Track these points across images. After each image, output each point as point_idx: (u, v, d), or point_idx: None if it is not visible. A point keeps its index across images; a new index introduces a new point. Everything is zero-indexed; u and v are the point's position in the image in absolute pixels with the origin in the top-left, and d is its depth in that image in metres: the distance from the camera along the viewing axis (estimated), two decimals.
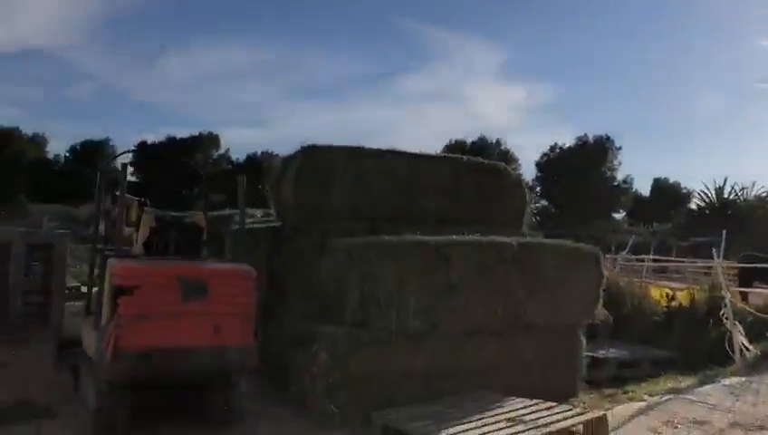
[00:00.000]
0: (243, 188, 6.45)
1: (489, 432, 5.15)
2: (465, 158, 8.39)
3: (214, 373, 5.65)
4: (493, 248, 6.76)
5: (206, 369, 5.52)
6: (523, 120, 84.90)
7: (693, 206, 50.63)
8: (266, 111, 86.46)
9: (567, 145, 53.64)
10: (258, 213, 11.26)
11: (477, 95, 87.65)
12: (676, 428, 5.72)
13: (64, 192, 43.86)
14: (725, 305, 8.32)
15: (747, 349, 8.15)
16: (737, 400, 6.57)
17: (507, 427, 5.29)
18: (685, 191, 54.66)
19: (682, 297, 10.66)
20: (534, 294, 6.94)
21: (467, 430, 5.25)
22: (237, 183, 6.45)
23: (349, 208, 7.52)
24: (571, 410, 5.75)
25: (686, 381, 7.38)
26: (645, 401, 6.66)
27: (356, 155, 7.59)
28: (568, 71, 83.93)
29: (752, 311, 9.19)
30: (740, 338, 8.10)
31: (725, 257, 13.42)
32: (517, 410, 5.80)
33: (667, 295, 10.66)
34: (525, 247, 6.96)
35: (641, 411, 6.22)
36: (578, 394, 7.36)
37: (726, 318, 8.24)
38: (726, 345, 8.16)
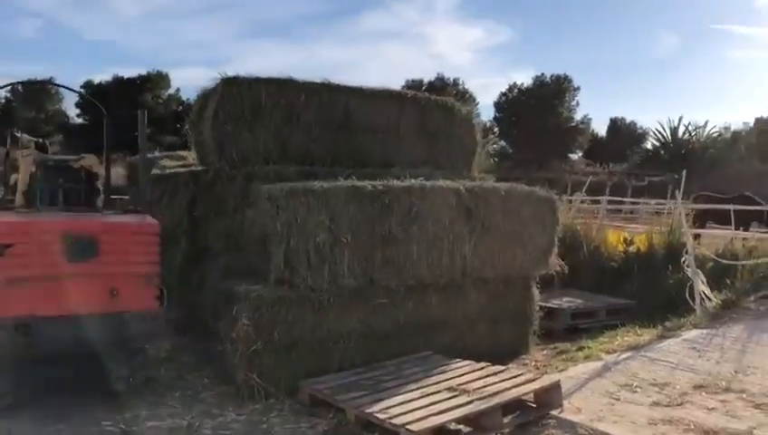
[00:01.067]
0: (143, 120, 5.49)
1: (427, 405, 4.51)
2: (409, 93, 7.54)
3: (111, 343, 4.85)
4: (437, 194, 6.02)
5: (100, 340, 4.71)
6: (481, 60, 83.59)
7: (648, 145, 50.95)
8: (221, 51, 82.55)
9: (525, 85, 52.93)
10: (191, 156, 10.32)
11: (436, 35, 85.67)
12: (636, 391, 5.17)
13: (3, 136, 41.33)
14: (687, 252, 7.80)
15: (708, 298, 7.69)
16: (700, 357, 6.07)
17: (449, 398, 4.66)
18: (640, 131, 54.75)
19: (640, 242, 10.18)
20: (483, 244, 6.28)
21: (404, 402, 4.61)
22: (138, 113, 5.48)
23: (278, 149, 6.69)
24: (520, 375, 5.15)
25: (646, 336, 6.86)
26: (602, 359, 6.11)
27: (285, 88, 6.67)
28: (525, 10, 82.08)
29: (713, 257, 8.74)
30: (701, 287, 7.62)
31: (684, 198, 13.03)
32: (462, 375, 5.19)
33: (625, 240, 10.16)
34: (474, 193, 6.23)
35: (598, 373, 5.65)
36: (530, 351, 6.83)
37: (688, 266, 7.74)
38: (687, 294, 7.68)
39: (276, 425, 4.74)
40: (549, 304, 8.00)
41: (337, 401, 4.81)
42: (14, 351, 4.51)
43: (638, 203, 20.45)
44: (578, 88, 52.31)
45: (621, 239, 10.25)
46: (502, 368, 5.35)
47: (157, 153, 12.69)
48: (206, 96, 6.77)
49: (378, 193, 5.72)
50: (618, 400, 5.00)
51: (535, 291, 6.94)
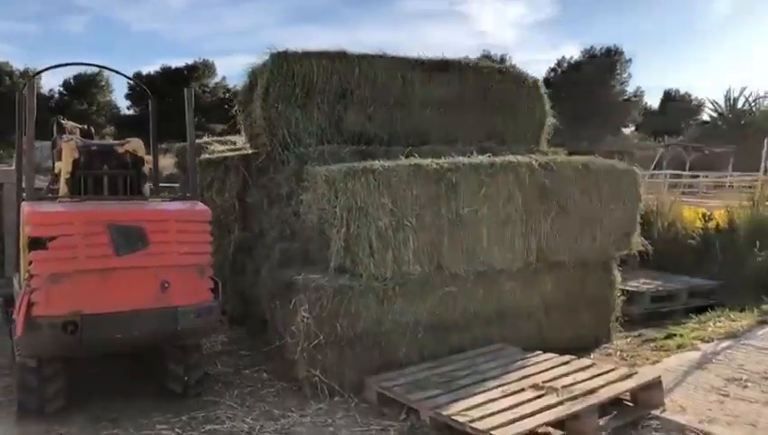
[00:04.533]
0: (191, 98, 5.11)
1: (512, 407, 4.02)
2: (471, 61, 6.96)
3: (163, 341, 4.51)
4: (509, 170, 5.49)
5: (152, 336, 4.36)
6: (526, 36, 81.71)
7: (705, 117, 48.88)
8: (264, 37, 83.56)
9: (574, 59, 51.30)
10: (239, 140, 9.99)
11: (477, 13, 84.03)
12: (746, 386, 4.57)
13: None
14: None
15: None
16: None
17: (535, 398, 4.16)
18: (695, 102, 52.54)
19: (719, 217, 9.39)
20: (560, 225, 5.73)
21: (484, 402, 4.14)
22: (185, 91, 5.10)
23: (332, 128, 6.24)
24: (613, 370, 4.60)
25: (742, 321, 6.20)
26: (698, 349, 5.50)
27: (338, 62, 6.20)
28: None
29: None
30: None
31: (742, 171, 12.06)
32: (546, 370, 4.68)
33: (704, 216, 9.40)
34: (549, 168, 5.67)
35: (697, 364, 5.05)
36: (612, 339, 6.25)
37: None
38: None
39: (343, 427, 4.33)
40: (626, 287, 7.36)
41: (410, 400, 4.36)
42: (63, 350, 4.21)
43: (697, 176, 19.51)
44: (629, 60, 50.48)
45: (699, 215, 9.49)
46: (590, 362, 4.82)
47: (206, 139, 12.44)
48: (254, 74, 6.35)
49: (443, 171, 5.23)
50: (727, 396, 4.41)
51: (617, 274, 6.36)
